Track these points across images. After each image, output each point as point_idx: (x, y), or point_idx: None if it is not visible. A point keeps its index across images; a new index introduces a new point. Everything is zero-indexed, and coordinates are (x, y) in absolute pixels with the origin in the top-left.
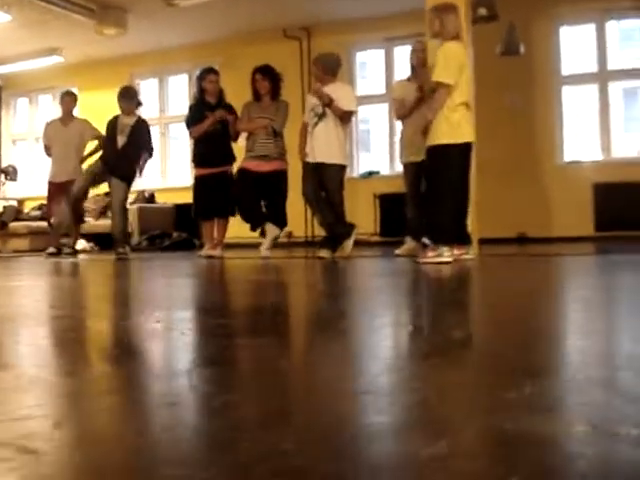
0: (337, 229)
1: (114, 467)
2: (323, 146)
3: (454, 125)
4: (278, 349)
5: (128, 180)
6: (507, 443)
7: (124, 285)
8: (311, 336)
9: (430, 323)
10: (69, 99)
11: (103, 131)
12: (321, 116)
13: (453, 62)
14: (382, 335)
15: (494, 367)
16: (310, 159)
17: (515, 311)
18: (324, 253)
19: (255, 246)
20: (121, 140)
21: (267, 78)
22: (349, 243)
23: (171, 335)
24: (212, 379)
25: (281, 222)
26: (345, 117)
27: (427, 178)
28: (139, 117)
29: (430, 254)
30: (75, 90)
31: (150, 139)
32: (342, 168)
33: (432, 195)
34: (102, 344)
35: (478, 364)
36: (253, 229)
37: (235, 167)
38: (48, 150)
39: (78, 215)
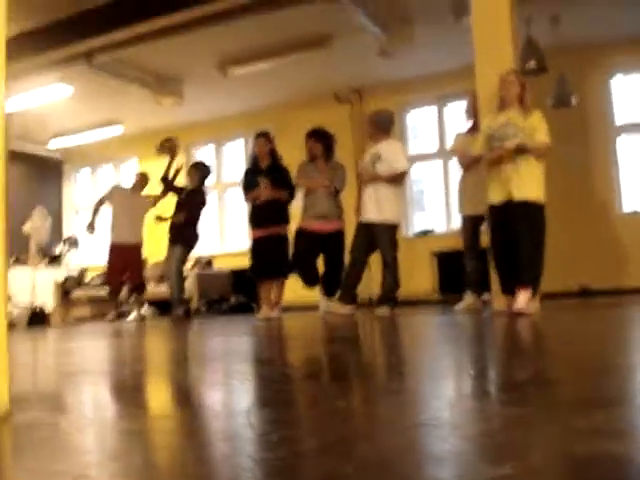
0: (392, 291)
1: None
2: (374, 205)
3: (542, 184)
4: (336, 391)
5: (185, 244)
6: (577, 465)
7: (183, 344)
8: (370, 381)
9: (495, 367)
10: (142, 179)
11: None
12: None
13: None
14: (444, 378)
15: (561, 400)
16: (361, 218)
17: (583, 353)
18: (383, 310)
19: (313, 308)
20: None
21: (320, 141)
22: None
23: (230, 383)
24: (269, 418)
25: (336, 285)
26: (399, 179)
27: (522, 228)
28: (194, 188)
29: (530, 304)
30: (135, 160)
31: (195, 206)
32: (393, 227)
33: (535, 244)
34: (162, 392)
35: (544, 399)
36: (307, 284)
37: (291, 227)
38: (100, 204)
39: (140, 283)
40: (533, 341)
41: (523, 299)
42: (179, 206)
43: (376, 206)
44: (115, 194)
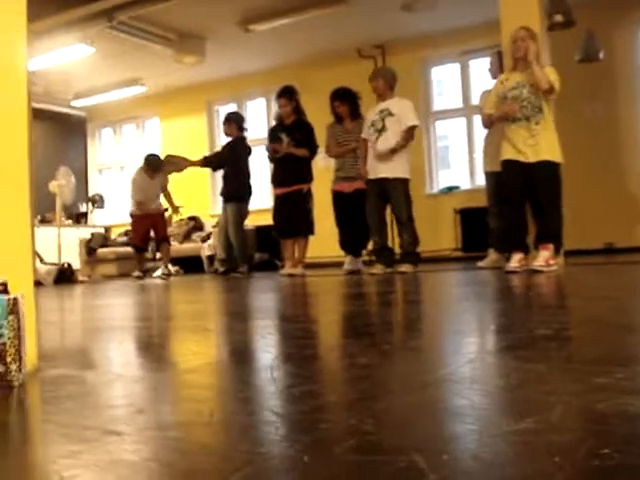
0: (411, 246)
1: (194, 443)
2: (385, 161)
3: (557, 145)
4: (356, 348)
5: (238, 200)
6: (598, 420)
7: (207, 300)
8: (391, 337)
9: (515, 323)
10: (149, 167)
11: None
12: (381, 130)
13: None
14: (464, 334)
15: (582, 357)
16: (372, 176)
17: (606, 310)
18: (406, 267)
19: (338, 265)
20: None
21: (344, 101)
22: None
23: (254, 338)
24: (292, 373)
25: (364, 243)
26: (410, 133)
27: (537, 188)
28: (233, 139)
29: (552, 262)
30: (156, 119)
31: (241, 154)
32: (405, 181)
33: (550, 203)
34: (187, 348)
35: (565, 356)
36: (344, 247)
37: (312, 185)
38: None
39: (164, 238)
40: (555, 298)
41: (544, 256)
42: (223, 160)
43: (385, 162)
44: (137, 179)
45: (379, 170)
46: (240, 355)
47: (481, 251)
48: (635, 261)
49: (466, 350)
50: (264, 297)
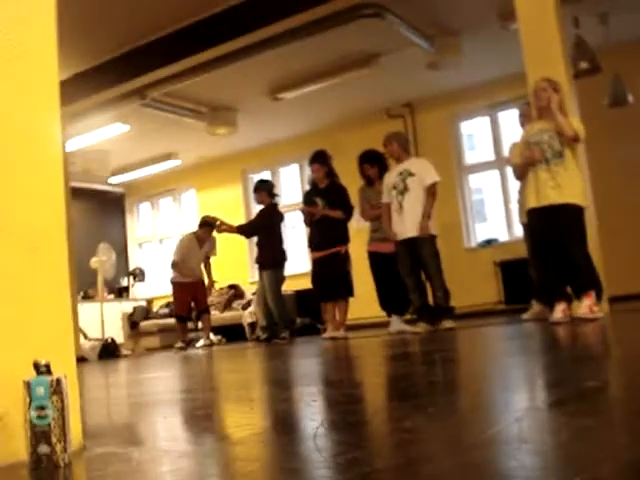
0: (446, 302)
1: None
2: (410, 221)
3: (583, 188)
4: (402, 411)
5: (273, 266)
6: None
7: (251, 368)
8: (436, 397)
9: (563, 377)
10: (207, 229)
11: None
12: (403, 191)
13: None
14: (512, 391)
15: (631, 409)
16: (400, 237)
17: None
18: (448, 323)
19: (381, 325)
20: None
21: (374, 164)
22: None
23: (299, 406)
24: (338, 440)
25: (405, 302)
26: (432, 190)
27: (561, 231)
28: (264, 206)
29: (595, 308)
30: (192, 191)
31: (273, 221)
32: (433, 238)
33: (576, 248)
34: (232, 419)
35: (612, 408)
36: (385, 307)
37: (349, 246)
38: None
39: (205, 308)
40: (602, 347)
41: (587, 304)
42: (255, 227)
43: (411, 222)
44: (185, 240)
45: (407, 230)
46: (284, 424)
47: (524, 303)
48: None
49: (514, 408)
50: (307, 362)
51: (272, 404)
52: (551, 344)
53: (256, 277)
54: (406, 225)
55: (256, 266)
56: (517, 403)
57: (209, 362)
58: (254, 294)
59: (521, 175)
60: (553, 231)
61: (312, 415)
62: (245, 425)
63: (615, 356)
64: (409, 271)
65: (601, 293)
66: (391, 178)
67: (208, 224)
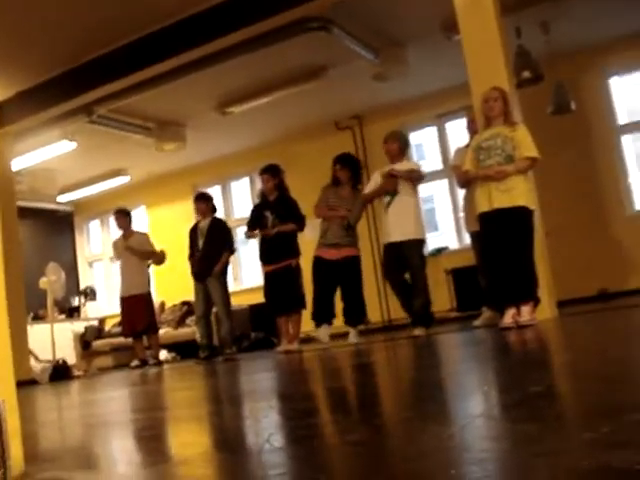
0: (425, 309)
1: None
2: (399, 224)
3: (531, 191)
4: (348, 424)
5: (221, 275)
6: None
7: (203, 386)
8: (384, 408)
9: (507, 383)
10: (119, 216)
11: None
12: (393, 194)
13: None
14: (457, 399)
15: (571, 413)
16: (386, 240)
17: (592, 363)
18: (418, 331)
19: (336, 336)
20: (201, 242)
21: (346, 167)
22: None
23: (245, 423)
24: (286, 455)
25: (359, 314)
26: (415, 176)
27: (510, 235)
28: (214, 218)
29: (533, 314)
30: (142, 207)
31: (229, 236)
32: (420, 243)
33: (523, 253)
34: (183, 438)
35: (554, 413)
36: (317, 321)
37: (300, 258)
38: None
39: (153, 325)
40: (547, 352)
41: (528, 311)
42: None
43: (400, 225)
44: (115, 247)
45: (393, 234)
46: (232, 442)
47: (476, 309)
48: (627, 305)
49: (460, 415)
50: (259, 378)
51: (221, 421)
52: (500, 350)
53: None
54: (393, 229)
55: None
56: (463, 411)
57: (160, 381)
58: None
59: (467, 183)
60: (503, 235)
61: (260, 431)
62: (192, 444)
63: (557, 361)
64: (394, 275)
65: (538, 300)
66: (379, 179)
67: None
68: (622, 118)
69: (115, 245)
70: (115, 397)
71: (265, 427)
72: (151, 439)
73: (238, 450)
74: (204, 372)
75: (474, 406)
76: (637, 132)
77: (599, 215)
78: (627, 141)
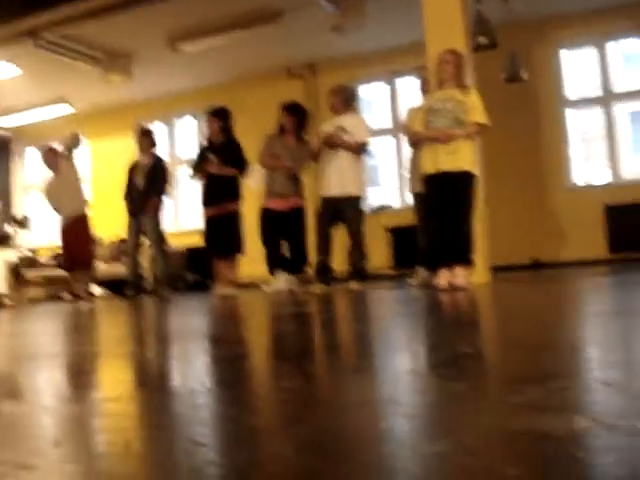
0: (361, 264)
1: (109, 475)
2: (339, 179)
3: (474, 156)
4: (281, 371)
5: (156, 212)
6: (508, 441)
7: (137, 324)
8: (316, 359)
9: (436, 343)
10: (50, 154)
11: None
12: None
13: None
14: (388, 355)
15: (500, 376)
16: (325, 193)
17: (523, 328)
18: (354, 285)
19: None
20: (139, 181)
21: (292, 115)
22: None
23: (180, 363)
24: (216, 398)
25: (300, 262)
26: (359, 149)
27: (452, 198)
28: (157, 157)
29: (468, 277)
30: (84, 139)
31: (165, 178)
32: (360, 199)
33: (463, 217)
34: (113, 374)
35: (482, 374)
36: (270, 271)
37: (242, 204)
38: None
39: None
40: (480, 315)
41: (463, 274)
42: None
43: (340, 180)
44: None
45: (333, 188)
46: (163, 381)
47: (412, 267)
48: (558, 277)
49: (390, 370)
50: (193, 320)
51: (151, 361)
52: (433, 309)
53: None
54: (333, 183)
55: None
56: (394, 366)
57: (92, 317)
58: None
59: (417, 143)
60: (445, 198)
61: (191, 373)
62: (123, 381)
63: (491, 325)
64: (327, 229)
65: (472, 263)
66: (326, 128)
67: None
68: (570, 92)
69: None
70: (45, 330)
71: (196, 369)
72: (80, 373)
73: (168, 390)
74: (136, 311)
75: (405, 362)
76: (582, 107)
77: (539, 185)
78: (572, 115)
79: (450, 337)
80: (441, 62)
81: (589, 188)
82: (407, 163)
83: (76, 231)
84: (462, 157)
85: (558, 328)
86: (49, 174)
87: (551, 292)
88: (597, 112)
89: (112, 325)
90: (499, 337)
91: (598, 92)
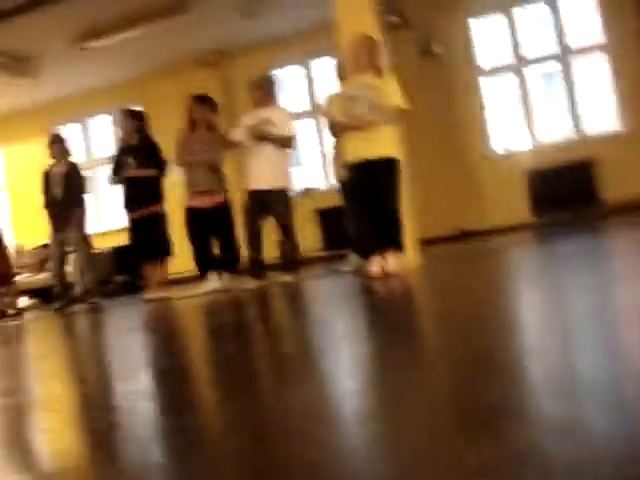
0: (293, 256)
1: None
2: (267, 172)
3: (395, 140)
4: (218, 372)
5: (79, 225)
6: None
7: (69, 346)
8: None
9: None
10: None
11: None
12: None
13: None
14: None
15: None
16: (252, 187)
17: (459, 317)
18: (288, 277)
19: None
20: (57, 191)
21: (204, 106)
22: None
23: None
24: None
25: (233, 260)
26: (287, 143)
27: (380, 186)
28: (71, 163)
29: (398, 262)
30: None
31: (83, 187)
32: (287, 191)
33: (391, 204)
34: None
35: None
36: (201, 273)
37: (164, 203)
38: None
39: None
40: (419, 302)
41: (395, 261)
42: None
43: (267, 173)
44: None
45: (260, 181)
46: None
47: (342, 249)
48: (486, 250)
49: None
50: (128, 341)
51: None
52: (371, 299)
53: None
54: (260, 176)
55: None
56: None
57: (18, 341)
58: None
59: (338, 132)
60: (371, 185)
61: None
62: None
63: (428, 311)
64: (255, 223)
65: (402, 247)
66: (249, 121)
67: None
68: (482, 61)
69: None
70: None
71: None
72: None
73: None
74: (66, 327)
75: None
76: (496, 75)
77: (459, 156)
78: (486, 83)
79: (392, 324)
80: (356, 47)
81: (509, 155)
82: (330, 150)
83: None
84: (383, 144)
85: (492, 315)
86: None
87: (480, 271)
88: (511, 78)
89: (41, 354)
90: (443, 322)
91: (510, 59)
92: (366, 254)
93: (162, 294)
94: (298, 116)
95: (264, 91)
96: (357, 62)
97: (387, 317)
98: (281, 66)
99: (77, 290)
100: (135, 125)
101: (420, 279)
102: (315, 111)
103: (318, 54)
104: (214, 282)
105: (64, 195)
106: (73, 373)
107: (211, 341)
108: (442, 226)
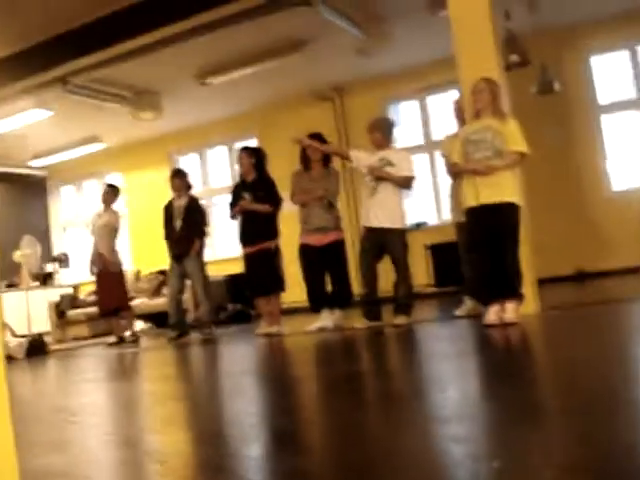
0: (407, 298)
1: None
2: (385, 211)
3: (516, 186)
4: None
5: (198, 255)
6: None
7: (186, 382)
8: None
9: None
10: (109, 191)
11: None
12: (379, 180)
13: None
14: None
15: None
16: (369, 224)
17: (582, 376)
18: (400, 319)
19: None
20: (178, 224)
21: (317, 142)
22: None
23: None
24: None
25: (346, 297)
26: (406, 183)
27: (500, 232)
28: (191, 197)
29: (518, 312)
30: (118, 174)
31: (203, 219)
32: (404, 231)
33: (509, 249)
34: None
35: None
36: (314, 309)
37: (280, 241)
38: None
39: (126, 300)
40: (530, 357)
41: (513, 309)
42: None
43: (384, 212)
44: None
45: (379, 220)
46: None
47: (454, 285)
48: (609, 295)
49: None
50: (239, 381)
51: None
52: (485, 349)
53: None
54: (378, 214)
55: None
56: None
57: (136, 373)
58: None
59: (456, 175)
60: (489, 230)
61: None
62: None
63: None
64: (371, 261)
65: (522, 296)
66: (369, 161)
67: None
68: (603, 98)
69: (92, 220)
70: (88, 402)
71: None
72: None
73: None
74: (180, 361)
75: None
76: (617, 112)
77: (578, 195)
78: (607, 121)
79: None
80: (476, 91)
81: (630, 193)
82: (447, 189)
83: (109, 278)
84: (504, 189)
85: (615, 377)
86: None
87: (607, 324)
88: (633, 115)
89: (162, 392)
90: (553, 382)
91: (632, 95)
92: (485, 302)
93: (274, 329)
94: (412, 150)
95: (383, 132)
96: (477, 106)
97: (509, 383)
98: (395, 101)
99: (190, 317)
100: (253, 162)
101: (539, 335)
102: (429, 146)
103: (432, 89)
104: (326, 319)
105: (184, 227)
106: (191, 428)
107: (326, 399)
108: (559, 265)
